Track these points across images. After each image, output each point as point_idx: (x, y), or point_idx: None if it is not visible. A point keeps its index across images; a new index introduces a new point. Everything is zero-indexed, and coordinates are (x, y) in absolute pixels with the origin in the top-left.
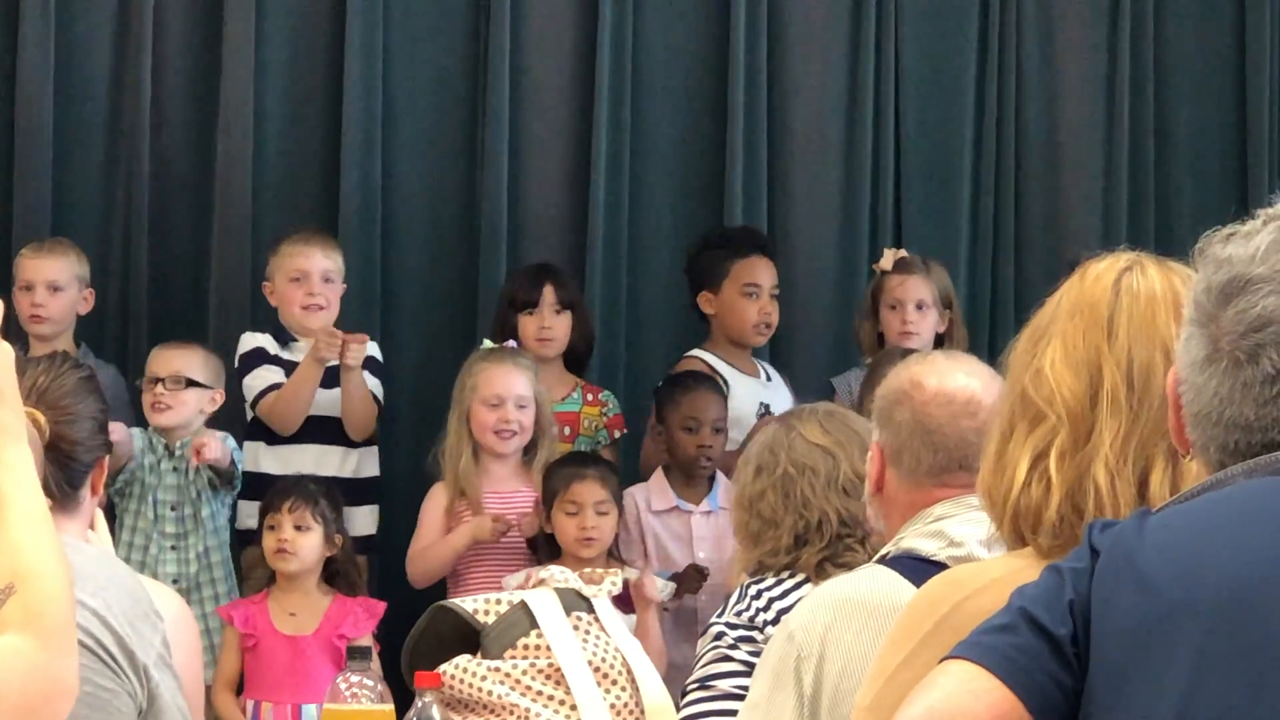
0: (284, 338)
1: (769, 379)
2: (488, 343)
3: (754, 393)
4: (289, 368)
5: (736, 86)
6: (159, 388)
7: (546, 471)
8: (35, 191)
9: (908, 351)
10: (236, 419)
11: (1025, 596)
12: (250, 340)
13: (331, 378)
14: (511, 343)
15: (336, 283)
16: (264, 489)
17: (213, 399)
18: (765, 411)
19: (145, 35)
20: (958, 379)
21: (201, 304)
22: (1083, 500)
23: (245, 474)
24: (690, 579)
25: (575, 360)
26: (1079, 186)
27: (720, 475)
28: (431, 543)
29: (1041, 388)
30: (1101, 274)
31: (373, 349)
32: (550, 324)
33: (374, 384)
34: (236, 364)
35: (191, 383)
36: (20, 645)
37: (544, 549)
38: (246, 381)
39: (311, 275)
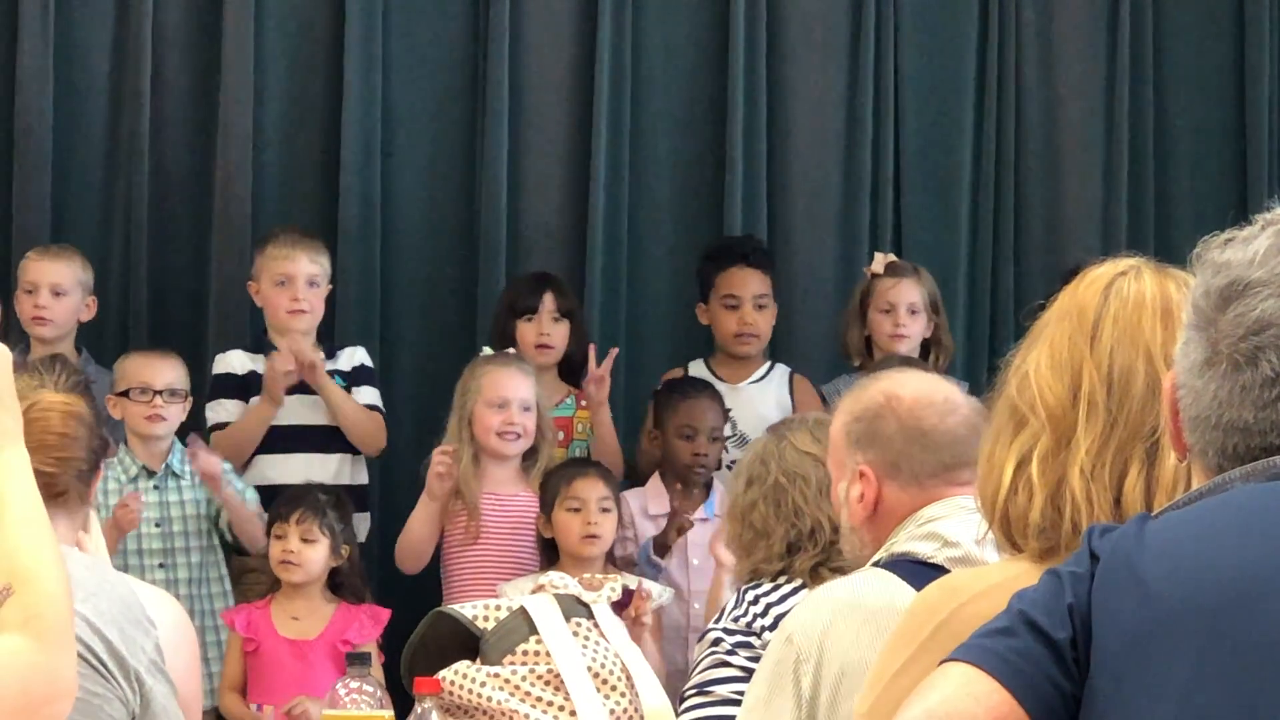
0: (264, 346)
1: (759, 380)
2: (487, 350)
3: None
4: (259, 380)
5: (736, 93)
6: (158, 399)
7: (545, 476)
8: (34, 197)
9: (906, 359)
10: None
11: (1025, 600)
12: (221, 364)
13: (311, 386)
14: (512, 351)
15: (321, 286)
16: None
17: (186, 409)
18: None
19: (144, 41)
20: (926, 383)
21: (201, 311)
22: (1062, 504)
23: None
24: (676, 525)
25: (570, 370)
26: (1079, 192)
27: (718, 484)
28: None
29: (1025, 391)
30: (1096, 278)
31: (362, 356)
32: (549, 330)
33: (371, 394)
34: (210, 383)
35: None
36: (19, 646)
37: (542, 554)
38: (209, 406)
39: (297, 279)
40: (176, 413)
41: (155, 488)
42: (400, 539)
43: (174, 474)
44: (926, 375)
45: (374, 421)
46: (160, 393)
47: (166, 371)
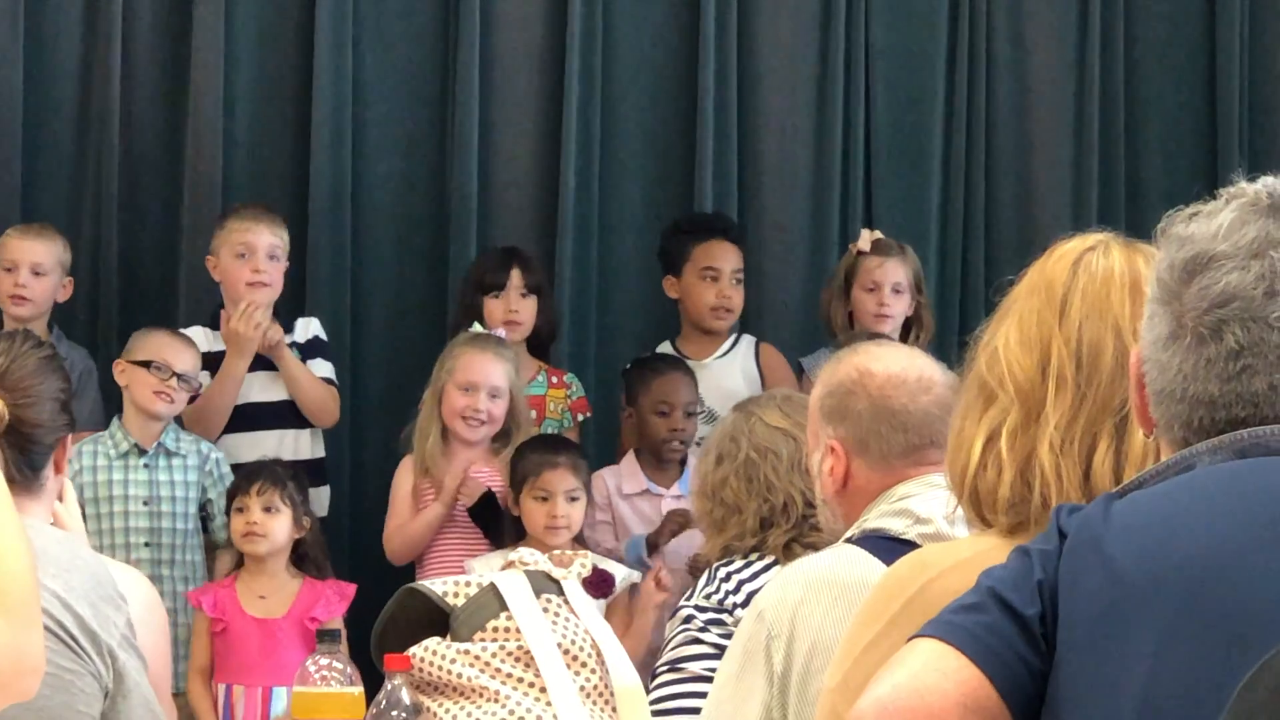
0: (219, 323)
1: (725, 354)
2: (478, 326)
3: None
4: (221, 359)
5: (706, 69)
6: (174, 380)
7: (515, 453)
8: (5, 176)
9: (875, 334)
10: None
11: (994, 577)
12: None
13: (266, 362)
14: (501, 331)
15: (281, 260)
16: None
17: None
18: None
19: (115, 20)
20: (901, 360)
21: (171, 289)
22: (1032, 479)
23: None
24: (671, 526)
25: (539, 345)
26: (1049, 169)
27: (691, 459)
28: (406, 521)
29: (995, 366)
30: (1065, 253)
31: (316, 328)
32: (517, 307)
33: (325, 367)
34: None
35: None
36: None
37: (510, 531)
38: None
39: (257, 251)
40: (183, 400)
41: (145, 466)
42: (397, 533)
43: (167, 453)
44: (904, 351)
45: (329, 394)
46: (178, 375)
47: (189, 358)
